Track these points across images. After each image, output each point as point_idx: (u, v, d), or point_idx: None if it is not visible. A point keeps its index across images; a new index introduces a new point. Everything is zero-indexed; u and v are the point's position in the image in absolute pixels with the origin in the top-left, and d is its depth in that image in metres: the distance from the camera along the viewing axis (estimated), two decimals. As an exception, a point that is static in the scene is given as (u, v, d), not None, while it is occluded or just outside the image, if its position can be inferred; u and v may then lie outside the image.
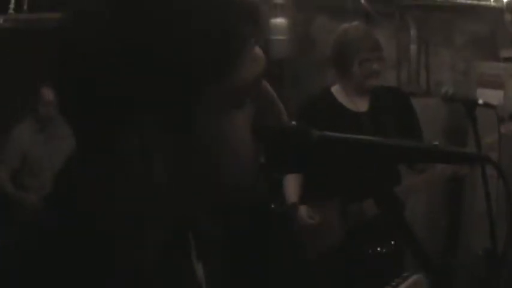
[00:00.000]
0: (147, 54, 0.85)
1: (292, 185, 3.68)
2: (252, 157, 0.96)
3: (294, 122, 1.08)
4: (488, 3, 5.69)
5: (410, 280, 2.58)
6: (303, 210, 3.59)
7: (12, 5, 5.45)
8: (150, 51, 0.85)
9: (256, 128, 0.95)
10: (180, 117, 0.87)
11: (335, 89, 3.71)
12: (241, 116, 0.92)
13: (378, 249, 3.54)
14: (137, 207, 0.91)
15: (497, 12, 5.54)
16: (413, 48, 5.85)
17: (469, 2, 5.72)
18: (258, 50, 0.94)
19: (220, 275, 1.11)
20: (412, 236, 1.38)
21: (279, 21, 5.34)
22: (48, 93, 5.15)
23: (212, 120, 0.89)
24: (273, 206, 3.48)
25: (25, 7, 5.52)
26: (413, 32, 5.80)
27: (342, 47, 3.59)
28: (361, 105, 3.65)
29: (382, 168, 3.33)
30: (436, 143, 1.25)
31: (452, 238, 5.46)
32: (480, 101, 3.29)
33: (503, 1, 5.52)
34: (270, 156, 1.03)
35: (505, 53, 5.44)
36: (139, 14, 0.85)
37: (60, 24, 0.91)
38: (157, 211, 0.92)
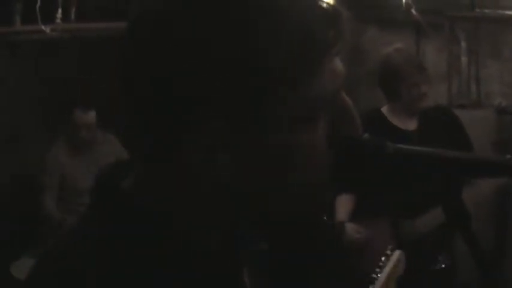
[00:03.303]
0: (225, 55, 0.83)
1: (344, 204, 3.65)
2: (321, 172, 0.95)
3: (367, 135, 1.07)
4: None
5: (394, 257, 2.59)
6: (349, 226, 3.58)
7: (59, 15, 5.48)
8: (227, 50, 0.83)
9: (331, 139, 0.93)
10: (251, 122, 0.85)
11: (385, 109, 3.77)
12: (313, 130, 0.90)
13: (430, 267, 3.52)
14: (199, 206, 0.91)
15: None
16: (464, 60, 5.79)
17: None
18: (338, 62, 0.93)
19: (267, 282, 1.10)
20: (480, 249, 1.36)
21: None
22: (81, 116, 5.18)
23: (284, 131, 0.87)
24: (325, 218, 3.46)
25: (72, 16, 5.56)
26: (463, 44, 5.76)
27: (388, 74, 3.63)
28: (411, 124, 3.69)
29: (453, 180, 3.32)
30: (509, 156, 1.23)
31: (499, 255, 5.39)
32: (533, 113, 3.29)
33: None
34: (343, 168, 1.02)
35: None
36: (219, 14, 0.84)
37: (136, 21, 0.89)
38: (216, 213, 0.91)
